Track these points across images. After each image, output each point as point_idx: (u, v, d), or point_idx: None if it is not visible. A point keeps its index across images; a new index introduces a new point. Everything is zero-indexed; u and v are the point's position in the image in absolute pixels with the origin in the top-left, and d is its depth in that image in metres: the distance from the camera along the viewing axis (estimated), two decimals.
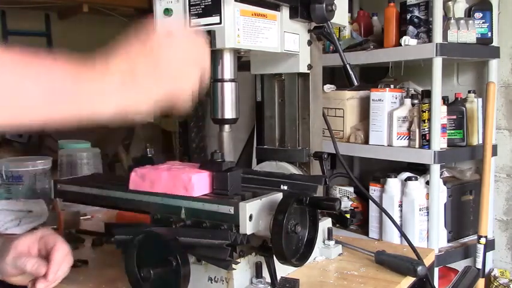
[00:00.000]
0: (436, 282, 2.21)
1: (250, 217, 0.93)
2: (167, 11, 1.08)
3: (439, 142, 2.15)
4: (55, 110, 0.71)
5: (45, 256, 0.95)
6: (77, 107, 0.73)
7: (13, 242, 0.96)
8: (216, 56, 1.10)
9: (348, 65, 1.27)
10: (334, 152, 1.37)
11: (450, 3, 2.28)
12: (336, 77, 2.98)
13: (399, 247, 1.34)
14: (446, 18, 2.21)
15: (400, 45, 2.26)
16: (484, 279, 2.30)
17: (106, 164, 3.56)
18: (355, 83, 1.27)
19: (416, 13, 2.25)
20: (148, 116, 0.82)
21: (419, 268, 1.08)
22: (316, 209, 0.99)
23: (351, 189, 2.68)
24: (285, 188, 1.14)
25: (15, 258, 0.93)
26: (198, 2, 1.06)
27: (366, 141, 2.44)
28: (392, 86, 2.44)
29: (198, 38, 0.89)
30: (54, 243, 0.95)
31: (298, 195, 0.95)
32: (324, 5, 1.18)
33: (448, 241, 2.32)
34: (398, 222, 2.25)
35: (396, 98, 2.36)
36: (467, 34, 2.21)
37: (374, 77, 2.72)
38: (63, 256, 0.94)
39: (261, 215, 0.95)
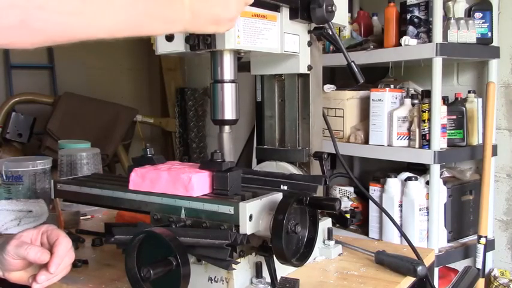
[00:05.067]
0: (436, 282, 2.21)
1: (250, 217, 0.93)
2: None
3: (439, 142, 2.16)
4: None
5: (48, 250, 0.95)
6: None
7: (15, 234, 0.96)
8: (216, 57, 1.10)
9: (352, 63, 1.27)
10: (334, 152, 1.37)
11: (450, 3, 2.28)
12: (336, 77, 2.98)
13: (399, 247, 1.34)
14: (446, 18, 2.21)
15: (400, 45, 2.26)
16: (484, 279, 2.30)
17: (106, 164, 3.56)
18: (361, 81, 1.27)
19: (416, 13, 2.25)
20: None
21: (419, 268, 1.08)
22: (316, 209, 0.99)
23: (351, 189, 2.68)
24: (285, 188, 1.14)
25: (17, 246, 0.92)
26: None
27: (366, 141, 2.44)
28: (392, 86, 2.44)
29: None
30: (57, 237, 0.95)
31: (298, 195, 0.95)
32: (324, 6, 1.18)
33: (448, 241, 2.32)
34: (399, 222, 2.25)
35: (396, 98, 2.37)
36: (467, 34, 2.21)
37: (374, 77, 2.72)
38: (65, 250, 0.94)
39: (261, 215, 0.95)
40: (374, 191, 2.41)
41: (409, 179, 2.25)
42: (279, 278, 1.02)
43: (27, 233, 0.96)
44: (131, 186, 1.07)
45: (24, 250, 0.92)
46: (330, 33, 1.26)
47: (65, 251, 0.94)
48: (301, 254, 0.99)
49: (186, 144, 4.24)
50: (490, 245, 2.33)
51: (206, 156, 4.14)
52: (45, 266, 0.92)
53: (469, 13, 2.29)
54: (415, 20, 2.25)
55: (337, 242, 1.23)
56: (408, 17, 2.27)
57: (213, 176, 1.02)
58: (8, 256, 0.93)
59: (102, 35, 0.75)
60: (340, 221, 2.54)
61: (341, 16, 1.30)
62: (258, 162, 1.38)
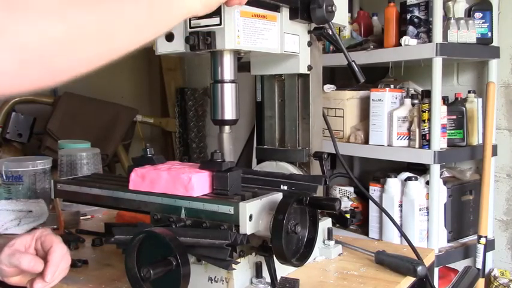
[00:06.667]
0: (436, 282, 2.21)
1: (250, 217, 0.93)
2: None
3: (439, 142, 2.16)
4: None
5: (43, 257, 0.94)
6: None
7: (9, 242, 0.95)
8: (216, 57, 1.10)
9: (353, 63, 1.27)
10: (334, 152, 1.38)
11: (450, 3, 2.28)
12: (336, 77, 2.98)
13: (399, 247, 1.34)
14: (446, 18, 2.21)
15: (400, 45, 2.26)
16: (484, 279, 2.30)
17: (106, 164, 3.56)
18: (362, 80, 1.27)
19: (416, 13, 2.25)
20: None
21: (419, 268, 1.08)
22: (316, 209, 0.99)
23: (351, 189, 2.68)
24: (285, 188, 1.14)
25: (10, 255, 0.92)
26: None
27: (366, 141, 2.44)
28: (392, 86, 2.44)
29: None
30: (51, 244, 0.94)
31: (298, 195, 0.95)
32: (324, 7, 1.18)
33: (448, 241, 2.32)
34: (399, 222, 2.25)
35: (396, 98, 2.37)
36: (467, 34, 2.21)
37: (374, 77, 2.72)
38: (60, 257, 0.94)
39: (261, 215, 0.95)
40: (374, 191, 2.41)
41: (409, 179, 2.25)
42: (279, 278, 1.02)
43: (20, 240, 0.95)
44: (131, 186, 1.07)
45: (17, 259, 0.91)
46: (330, 33, 1.26)
47: (60, 258, 0.93)
48: (301, 254, 0.99)
49: (186, 144, 4.24)
50: (490, 245, 2.33)
51: (206, 156, 4.14)
52: (41, 273, 0.92)
53: (469, 13, 2.29)
54: (415, 20, 2.25)
55: (337, 242, 1.23)
56: (408, 17, 2.27)
57: (213, 176, 1.02)
58: (1, 265, 0.92)
59: (116, 56, 0.72)
60: (340, 221, 2.54)
61: (341, 16, 1.30)
62: (258, 162, 1.38)
